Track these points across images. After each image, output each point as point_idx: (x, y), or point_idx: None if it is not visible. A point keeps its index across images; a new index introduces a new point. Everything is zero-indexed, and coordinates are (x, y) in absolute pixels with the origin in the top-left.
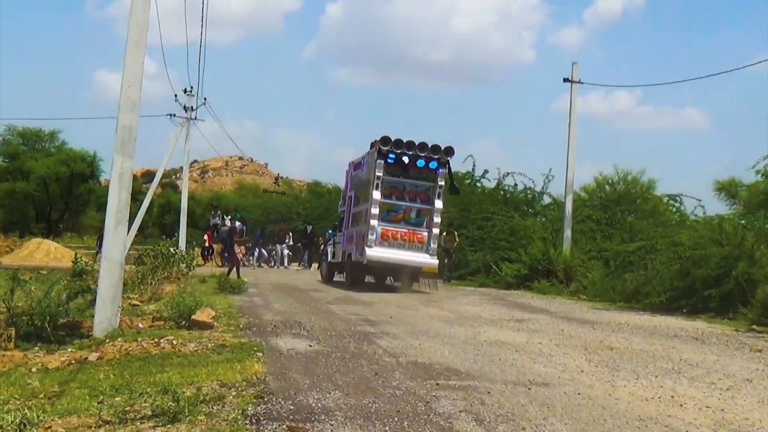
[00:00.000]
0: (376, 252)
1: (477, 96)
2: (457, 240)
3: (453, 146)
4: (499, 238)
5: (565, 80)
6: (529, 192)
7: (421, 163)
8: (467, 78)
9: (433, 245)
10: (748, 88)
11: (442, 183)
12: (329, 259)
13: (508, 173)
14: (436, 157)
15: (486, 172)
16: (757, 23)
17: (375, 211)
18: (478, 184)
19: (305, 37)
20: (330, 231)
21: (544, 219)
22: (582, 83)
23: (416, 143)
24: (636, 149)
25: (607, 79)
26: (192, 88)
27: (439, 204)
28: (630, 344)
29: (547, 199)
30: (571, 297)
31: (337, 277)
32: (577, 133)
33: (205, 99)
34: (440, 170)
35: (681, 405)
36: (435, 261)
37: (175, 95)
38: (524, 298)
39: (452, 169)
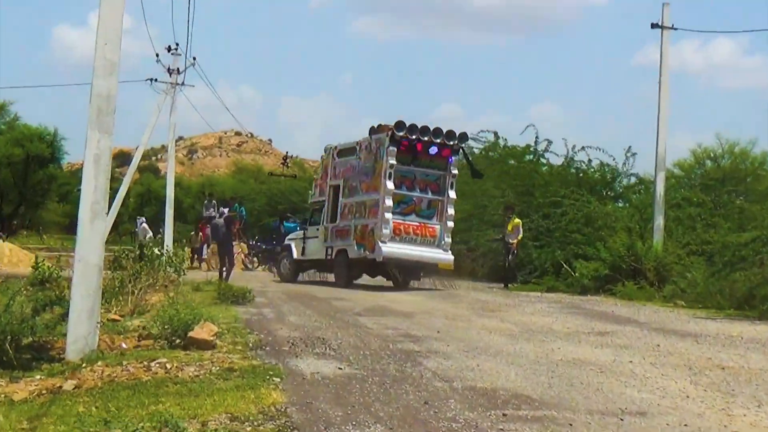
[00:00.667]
0: (391, 248)
1: (535, 49)
2: (521, 232)
3: (505, 115)
4: (570, 230)
5: (654, 26)
6: (607, 170)
7: (433, 150)
8: (523, 27)
9: (447, 239)
10: None
11: (456, 172)
12: (296, 255)
13: (582, 147)
14: (450, 143)
15: (549, 143)
16: None
17: (389, 203)
18: (543, 161)
19: None
20: (288, 223)
21: (627, 204)
22: (675, 29)
23: (431, 128)
24: (743, 113)
25: (702, 24)
26: (177, 45)
27: (452, 194)
28: (746, 362)
29: (630, 180)
30: (666, 303)
31: (301, 277)
32: (669, 94)
33: (194, 59)
34: (453, 158)
35: None
36: (450, 257)
37: (157, 55)
38: (605, 306)
39: (475, 151)
